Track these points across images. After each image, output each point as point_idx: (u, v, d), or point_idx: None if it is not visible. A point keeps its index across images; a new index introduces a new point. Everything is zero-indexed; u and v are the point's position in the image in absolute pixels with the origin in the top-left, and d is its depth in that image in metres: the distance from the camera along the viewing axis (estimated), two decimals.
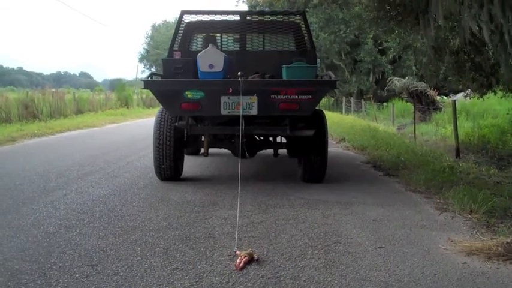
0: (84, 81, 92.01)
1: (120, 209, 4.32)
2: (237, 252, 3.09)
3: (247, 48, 6.29)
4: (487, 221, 4.05)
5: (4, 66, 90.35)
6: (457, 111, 9.77)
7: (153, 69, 46.14)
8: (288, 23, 6.40)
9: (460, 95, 19.26)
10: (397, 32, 9.04)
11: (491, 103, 16.05)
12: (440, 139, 11.83)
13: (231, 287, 2.67)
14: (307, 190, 5.28)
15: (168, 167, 5.51)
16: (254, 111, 4.96)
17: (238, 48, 6.28)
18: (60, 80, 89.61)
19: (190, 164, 6.74)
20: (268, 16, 6.71)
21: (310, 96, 4.97)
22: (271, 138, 6.17)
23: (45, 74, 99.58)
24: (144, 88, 5.08)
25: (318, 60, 6.55)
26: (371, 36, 22.82)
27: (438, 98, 19.33)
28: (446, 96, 24.06)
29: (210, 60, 5.08)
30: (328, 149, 5.77)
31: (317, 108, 5.68)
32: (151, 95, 9.34)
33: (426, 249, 3.34)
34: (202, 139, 5.85)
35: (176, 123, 5.42)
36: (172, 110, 5.15)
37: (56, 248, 3.23)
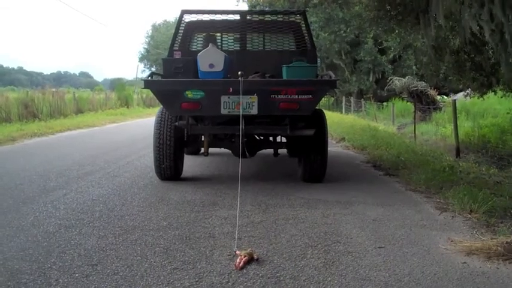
0: (84, 80, 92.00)
1: (120, 209, 4.32)
2: (237, 252, 3.08)
3: (247, 48, 6.29)
4: (487, 221, 4.05)
5: (4, 65, 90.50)
6: (457, 111, 9.76)
7: (153, 69, 46.10)
8: (288, 23, 6.39)
9: (460, 95, 19.25)
10: (397, 31, 9.04)
11: (491, 103, 16.05)
12: (440, 139, 11.83)
13: (231, 286, 2.67)
14: (307, 190, 5.28)
15: (168, 167, 5.51)
16: (254, 111, 4.96)
17: (238, 48, 6.28)
18: (60, 79, 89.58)
19: (191, 164, 6.74)
20: (269, 16, 6.71)
21: (310, 96, 4.97)
22: (271, 138, 6.17)
23: (45, 73, 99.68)
24: (144, 88, 5.08)
25: (318, 60, 6.53)
26: (371, 35, 22.81)
27: (438, 97, 19.32)
28: (446, 95, 24.04)
29: (210, 59, 5.07)
30: (328, 149, 5.77)
31: (317, 107, 5.68)
32: (151, 94, 9.34)
33: (426, 249, 3.34)
34: (203, 139, 5.85)
35: (176, 123, 5.42)
36: (173, 109, 5.15)
37: (55, 247, 3.24)
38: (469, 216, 4.22)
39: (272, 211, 4.32)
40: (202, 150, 5.91)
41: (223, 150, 6.38)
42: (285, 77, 5.29)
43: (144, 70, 56.77)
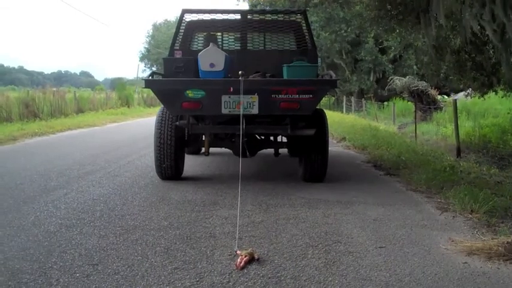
0: (85, 80, 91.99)
1: (121, 208, 4.32)
2: (238, 252, 3.09)
3: (248, 47, 6.29)
4: (487, 221, 4.04)
5: (5, 65, 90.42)
6: (458, 111, 9.76)
7: (154, 68, 46.13)
8: (289, 22, 6.39)
9: (461, 94, 19.23)
10: (398, 31, 9.04)
11: (492, 102, 16.03)
12: (441, 138, 11.82)
13: (232, 286, 2.67)
14: (308, 189, 5.28)
15: (169, 166, 5.51)
16: (255, 111, 4.96)
17: (239, 47, 6.28)
18: (61, 79, 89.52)
19: (191, 163, 6.74)
20: (269, 15, 6.70)
21: (311, 96, 4.97)
22: (272, 138, 6.17)
23: (46, 73, 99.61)
24: (145, 87, 5.08)
25: (319, 60, 6.53)
26: (372, 35, 22.80)
27: (439, 97, 19.30)
28: (447, 95, 24.02)
29: (211, 59, 5.07)
30: (329, 149, 5.76)
31: (318, 107, 5.67)
32: (152, 94, 9.34)
33: (427, 249, 3.34)
34: (203, 138, 5.85)
35: (177, 123, 5.42)
36: (173, 109, 5.15)
37: (56, 247, 3.24)
38: (470, 216, 4.22)
39: (273, 211, 4.32)
40: (203, 149, 5.91)
41: (224, 150, 6.39)
42: (285, 77, 5.29)
43: (144, 70, 56.82)
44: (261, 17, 6.62)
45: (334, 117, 16.20)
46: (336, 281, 2.75)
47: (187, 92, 4.91)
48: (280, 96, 4.93)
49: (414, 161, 7.05)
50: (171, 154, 5.47)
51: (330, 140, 6.33)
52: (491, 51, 8.03)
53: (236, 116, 4.86)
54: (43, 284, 2.64)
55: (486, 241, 3.45)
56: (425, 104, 17.19)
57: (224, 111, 4.97)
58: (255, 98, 4.93)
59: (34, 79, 78.51)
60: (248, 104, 4.94)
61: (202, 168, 6.72)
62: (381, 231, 3.75)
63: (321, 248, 3.31)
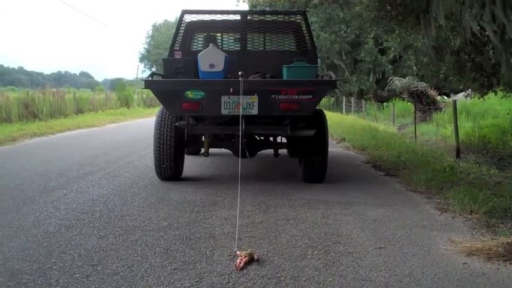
0: (85, 80, 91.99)
1: (121, 209, 4.32)
2: (237, 252, 3.09)
3: (247, 48, 6.29)
4: (487, 222, 4.05)
5: (5, 65, 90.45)
6: (457, 111, 9.76)
7: (154, 69, 46.15)
8: (288, 23, 6.39)
9: (460, 95, 19.26)
10: (397, 31, 9.04)
11: (491, 103, 16.05)
12: (440, 139, 11.83)
13: (231, 287, 2.67)
14: (307, 190, 5.28)
15: (169, 167, 5.51)
16: (254, 111, 4.96)
17: (238, 48, 6.28)
18: (60, 79, 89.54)
19: (191, 164, 6.74)
20: (269, 16, 6.71)
21: (310, 96, 4.97)
22: (271, 138, 6.17)
23: (45, 73, 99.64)
24: (144, 88, 5.08)
25: (319, 60, 6.53)
26: (372, 36, 22.81)
27: (439, 98, 19.34)
28: (446, 96, 24.06)
29: (210, 59, 5.07)
30: (329, 149, 5.77)
31: (317, 108, 5.68)
32: (151, 94, 9.33)
33: (426, 250, 3.34)
34: (203, 139, 5.85)
35: (177, 123, 5.42)
36: (173, 109, 5.15)
37: (56, 247, 3.24)
38: (470, 216, 4.22)
39: (272, 211, 4.32)
40: (203, 150, 5.91)
41: (223, 150, 6.38)
42: (285, 77, 5.29)
43: (144, 70, 56.77)
44: (261, 17, 6.63)
45: (333, 118, 16.20)
46: (336, 282, 2.75)
47: (187, 92, 4.91)
48: (280, 96, 4.93)
49: (414, 162, 7.05)
50: (171, 155, 5.47)
51: (329, 140, 6.34)
52: (491, 52, 8.04)
53: (236, 116, 4.86)
54: (42, 285, 2.64)
55: (486, 242, 3.45)
56: (425, 105, 17.21)
57: (224, 111, 4.97)
58: (254, 99, 4.93)
59: (34, 79, 78.53)
60: (248, 105, 4.94)
61: (201, 168, 6.72)
62: (381, 232, 3.75)
63: (321, 249, 3.31)
